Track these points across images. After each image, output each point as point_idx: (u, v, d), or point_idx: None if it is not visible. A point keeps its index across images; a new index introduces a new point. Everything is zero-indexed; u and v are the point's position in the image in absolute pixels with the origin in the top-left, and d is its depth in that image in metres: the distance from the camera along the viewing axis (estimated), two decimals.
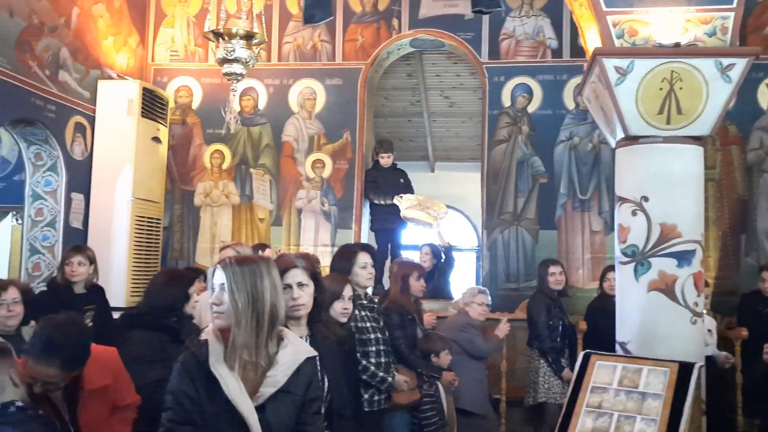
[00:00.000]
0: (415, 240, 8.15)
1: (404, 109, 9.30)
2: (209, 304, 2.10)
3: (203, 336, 2.10)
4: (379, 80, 7.84)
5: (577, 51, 6.68)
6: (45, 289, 4.93)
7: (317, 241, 7.06)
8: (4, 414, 2.35)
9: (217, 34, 5.03)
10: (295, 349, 2.12)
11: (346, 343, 3.33)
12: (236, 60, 5.03)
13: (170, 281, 3.57)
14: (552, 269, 5.40)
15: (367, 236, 7.20)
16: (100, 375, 2.92)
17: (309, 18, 4.80)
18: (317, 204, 7.13)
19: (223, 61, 5.11)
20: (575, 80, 6.74)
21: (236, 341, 2.01)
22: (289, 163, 7.24)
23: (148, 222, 6.73)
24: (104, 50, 6.67)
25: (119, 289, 6.17)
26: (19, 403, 2.38)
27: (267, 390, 2.04)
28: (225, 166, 7.30)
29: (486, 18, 6.92)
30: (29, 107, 5.69)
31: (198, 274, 3.75)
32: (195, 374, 2.03)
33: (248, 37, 5.01)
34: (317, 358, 2.18)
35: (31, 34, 5.64)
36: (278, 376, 2.05)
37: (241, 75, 5.22)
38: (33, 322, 3.71)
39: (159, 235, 6.98)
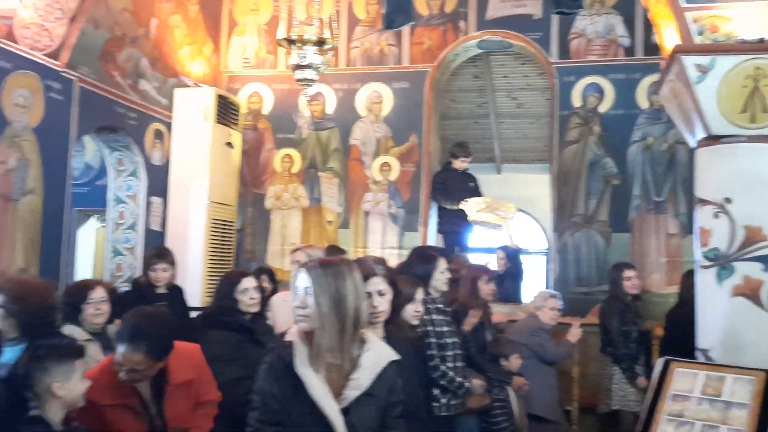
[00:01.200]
0: (482, 243, 8.09)
1: (471, 111, 9.26)
2: (293, 306, 2.15)
3: (288, 337, 2.15)
4: (445, 82, 7.84)
5: (651, 49, 6.49)
6: (128, 288, 5.15)
7: (384, 243, 7.11)
8: (32, 422, 2.41)
9: (290, 41, 5.14)
10: (378, 353, 2.14)
11: (417, 345, 3.36)
12: (309, 66, 5.14)
13: (221, 282, 3.71)
14: (627, 273, 5.25)
15: (434, 239, 7.21)
16: (185, 370, 3.02)
17: (390, 23, 4.85)
18: (384, 206, 7.18)
19: (296, 67, 5.22)
20: (649, 79, 6.55)
21: (321, 344, 2.04)
22: (356, 166, 7.33)
23: (222, 225, 6.94)
24: (180, 59, 6.93)
25: (195, 289, 6.38)
26: (36, 413, 2.42)
27: (351, 393, 2.06)
28: (295, 169, 7.45)
29: (555, 17, 6.83)
30: (112, 115, 5.97)
31: (245, 273, 3.85)
32: (281, 375, 2.07)
33: (320, 43, 5.11)
34: (399, 361, 2.19)
35: (114, 45, 5.92)
36: (362, 379, 2.07)
37: (314, 80, 5.32)
38: (117, 321, 3.88)
39: (232, 237, 7.18)
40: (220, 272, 6.73)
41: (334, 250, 5.63)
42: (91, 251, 7.98)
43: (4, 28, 4.51)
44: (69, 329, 3.39)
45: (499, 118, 9.36)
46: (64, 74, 5.25)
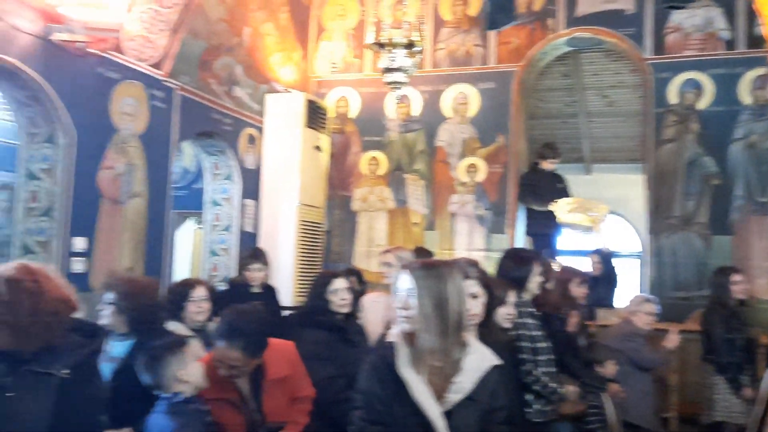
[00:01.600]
0: (572, 245, 7.90)
1: (559, 110, 9.05)
2: (396, 308, 2.16)
3: (390, 338, 2.17)
4: (533, 82, 7.71)
5: (755, 41, 6.15)
6: (225, 288, 5.37)
7: (471, 245, 7.07)
8: (168, 403, 2.62)
9: (380, 45, 5.21)
10: (480, 356, 2.13)
11: (509, 349, 3.31)
12: (398, 69, 5.19)
13: (314, 282, 3.81)
14: (735, 277, 4.98)
15: (522, 241, 7.10)
16: (281, 366, 3.12)
17: (493, 23, 4.84)
18: (471, 208, 7.14)
19: (386, 70, 5.29)
20: (753, 73, 6.22)
21: (423, 346, 2.05)
22: (442, 167, 7.32)
23: (311, 226, 7.10)
24: (272, 65, 7.14)
25: (286, 288, 6.55)
26: (184, 396, 2.64)
27: (453, 396, 2.05)
28: (381, 172, 7.52)
29: (649, 12, 6.59)
30: (209, 121, 6.23)
31: (336, 274, 3.91)
32: (383, 376, 2.08)
33: (409, 45, 5.15)
34: (502, 366, 2.17)
35: (210, 54, 6.18)
36: (465, 382, 2.06)
37: (403, 83, 5.37)
38: (216, 319, 4.04)
39: (321, 238, 7.34)
40: (310, 273, 6.90)
41: (422, 252, 5.65)
42: (188, 252, 8.34)
43: (113, 41, 4.80)
44: (172, 326, 3.55)
45: (588, 117, 9.11)
46: (166, 83, 5.53)
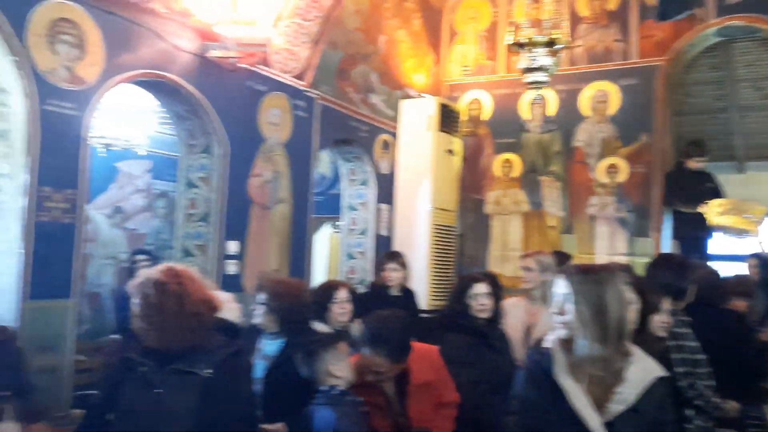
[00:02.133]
0: (724, 249, 7.34)
1: (707, 105, 8.45)
2: (552, 313, 2.12)
3: (545, 344, 2.13)
4: (679, 76, 7.26)
5: None
6: (366, 290, 5.50)
7: (612, 249, 6.77)
8: (327, 395, 2.70)
9: (519, 45, 5.13)
10: (644, 367, 2.04)
11: (664, 359, 3.13)
12: (539, 68, 5.08)
13: (455, 286, 3.81)
14: None
15: (669, 245, 6.70)
16: (425, 371, 3.14)
17: (664, 14, 4.64)
18: (611, 210, 6.84)
19: (526, 70, 5.19)
20: None
21: (581, 353, 1.99)
22: (580, 168, 7.07)
23: (444, 230, 7.12)
24: (405, 71, 7.25)
25: (420, 292, 6.59)
26: (341, 388, 2.73)
27: (615, 407, 1.98)
28: (514, 174, 7.40)
29: None
30: (347, 129, 6.42)
31: (477, 278, 3.86)
32: (540, 383, 2.05)
33: (550, 43, 5.02)
34: (669, 378, 2.06)
35: (348, 63, 6.37)
36: (627, 393, 1.98)
37: (544, 83, 5.26)
38: (357, 320, 4.14)
39: (454, 242, 7.33)
40: (443, 276, 6.92)
41: (561, 256, 5.48)
42: (325, 254, 8.64)
43: (261, 55, 5.08)
44: (318, 326, 3.68)
45: (741, 112, 8.43)
46: (308, 93, 5.77)
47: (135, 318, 2.30)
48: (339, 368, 2.77)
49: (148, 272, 2.36)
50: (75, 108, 3.83)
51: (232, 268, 4.99)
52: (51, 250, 3.67)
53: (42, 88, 3.65)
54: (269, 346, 3.30)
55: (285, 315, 3.30)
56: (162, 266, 2.38)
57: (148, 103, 5.92)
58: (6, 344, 3.08)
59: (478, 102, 7.65)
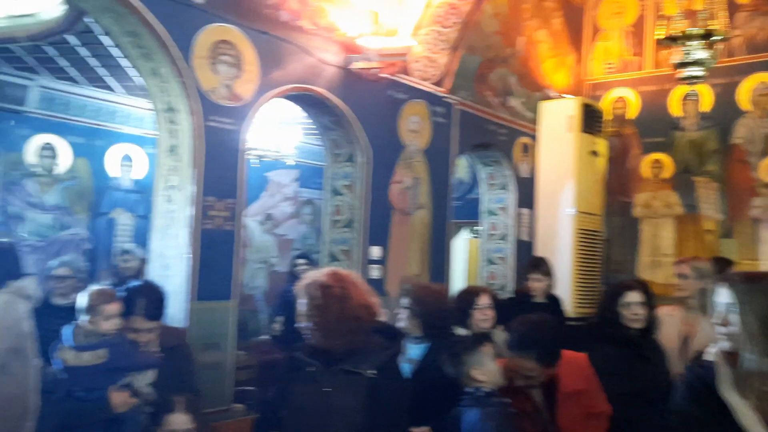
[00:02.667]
0: None
1: None
2: (713, 324, 1.99)
3: (707, 357, 2.00)
4: None
5: None
6: (508, 296, 5.45)
7: None
8: (473, 396, 2.69)
9: (672, 39, 4.84)
10: None
11: None
12: (694, 63, 4.77)
13: (604, 294, 3.63)
14: None
15: None
16: (574, 379, 3.05)
17: None
18: None
19: (680, 65, 4.90)
20: None
21: (748, 368, 1.87)
22: (740, 168, 6.55)
23: (588, 234, 6.86)
24: (545, 72, 7.08)
25: (564, 299, 6.39)
26: (488, 389, 2.70)
27: None
28: (665, 175, 6.99)
29: None
30: (486, 133, 6.39)
31: (629, 286, 3.66)
32: (703, 398, 1.94)
33: (707, 35, 4.70)
34: None
35: (486, 67, 6.34)
36: None
37: (700, 77, 4.93)
38: (500, 327, 4.09)
39: (599, 247, 7.04)
40: (589, 283, 6.67)
41: (721, 262, 5.10)
42: (463, 260, 8.63)
43: (401, 64, 5.19)
44: (460, 331, 3.68)
45: None
46: (446, 99, 5.81)
47: (300, 317, 2.43)
48: (484, 370, 2.75)
49: (314, 274, 2.49)
50: (233, 123, 4.12)
51: (375, 272, 5.12)
52: (214, 255, 3.96)
53: (205, 105, 3.96)
54: (413, 350, 3.35)
55: (428, 320, 3.33)
56: (328, 269, 2.50)
57: (295, 115, 6.24)
58: (180, 345, 3.36)
59: (624, 100, 7.32)
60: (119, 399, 2.86)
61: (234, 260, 4.09)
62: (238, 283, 4.19)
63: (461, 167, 8.30)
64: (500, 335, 3.71)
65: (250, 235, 7.70)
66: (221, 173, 4.03)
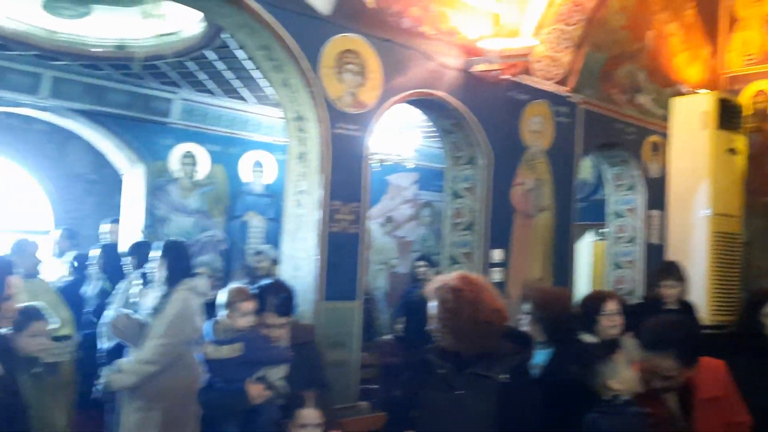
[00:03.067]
0: None
1: None
2: None
3: None
4: None
5: None
6: (637, 302, 5.24)
7: None
8: (610, 406, 2.60)
9: None
10: None
11: None
12: None
13: (745, 302, 3.39)
14: None
15: None
16: (712, 385, 2.90)
17: None
18: None
19: None
20: None
21: None
22: None
23: (726, 238, 6.44)
24: (677, 67, 6.73)
25: (699, 306, 6.04)
26: (624, 398, 2.61)
27: None
28: None
29: None
30: (611, 132, 6.17)
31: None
32: None
33: None
34: None
35: (612, 64, 6.12)
36: None
37: None
38: (628, 334, 3.94)
39: (739, 251, 6.59)
40: (726, 289, 6.26)
41: None
42: (587, 264, 8.36)
43: (523, 65, 5.14)
44: (586, 338, 3.59)
45: None
46: (570, 99, 5.67)
47: (431, 320, 2.49)
48: (620, 378, 2.66)
49: (444, 278, 2.54)
50: (358, 129, 4.27)
51: (496, 275, 5.09)
52: (340, 257, 4.12)
53: (332, 113, 4.13)
54: (537, 356, 3.31)
55: (551, 325, 3.28)
56: (457, 273, 2.55)
57: (415, 119, 6.34)
58: (309, 342, 3.54)
59: (765, 93, 6.84)
60: (255, 391, 3.04)
61: (359, 262, 4.23)
62: (362, 283, 4.33)
63: (585, 168, 8.06)
64: (629, 342, 3.59)
65: (371, 237, 7.89)
66: (346, 178, 4.18)
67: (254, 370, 3.11)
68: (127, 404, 3.58)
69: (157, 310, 3.59)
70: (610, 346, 2.88)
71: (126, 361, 3.58)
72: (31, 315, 2.94)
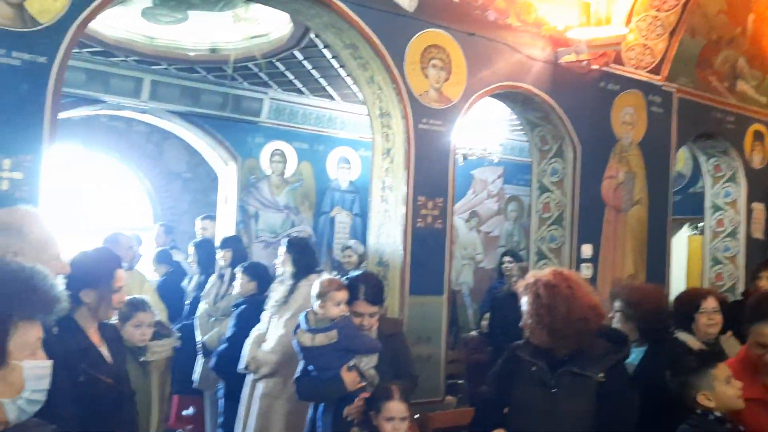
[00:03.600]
0: None
1: None
2: None
3: None
4: None
5: None
6: (739, 299, 4.97)
7: None
8: (702, 420, 2.45)
9: None
10: None
11: None
12: None
13: None
14: None
15: None
16: None
17: None
18: None
19: None
20: None
21: None
22: None
23: None
24: None
25: None
26: (717, 414, 2.45)
27: None
28: None
29: None
30: (709, 121, 5.88)
31: None
32: None
33: None
34: None
35: (710, 51, 5.83)
36: None
37: None
38: (729, 332, 3.75)
39: None
40: None
41: None
42: (683, 259, 8.01)
43: (613, 54, 4.97)
44: (683, 336, 3.44)
45: None
46: (664, 88, 5.45)
47: (525, 316, 2.46)
48: (714, 395, 2.48)
49: (537, 273, 2.50)
50: (442, 125, 4.26)
51: (586, 271, 4.97)
52: (426, 252, 4.14)
53: (416, 109, 4.14)
54: (631, 355, 3.21)
55: (644, 323, 3.17)
56: (551, 269, 2.50)
57: (501, 112, 6.25)
58: (397, 334, 3.56)
59: None
60: (349, 378, 3.10)
61: (445, 257, 4.24)
62: (449, 279, 4.33)
63: (680, 159, 7.72)
64: (729, 342, 3.43)
65: (456, 232, 7.87)
66: (431, 173, 4.19)
67: (347, 358, 3.15)
68: (253, 392, 3.78)
69: (282, 303, 3.77)
70: (709, 358, 2.71)
71: (261, 351, 3.79)
72: (136, 306, 3.11)
